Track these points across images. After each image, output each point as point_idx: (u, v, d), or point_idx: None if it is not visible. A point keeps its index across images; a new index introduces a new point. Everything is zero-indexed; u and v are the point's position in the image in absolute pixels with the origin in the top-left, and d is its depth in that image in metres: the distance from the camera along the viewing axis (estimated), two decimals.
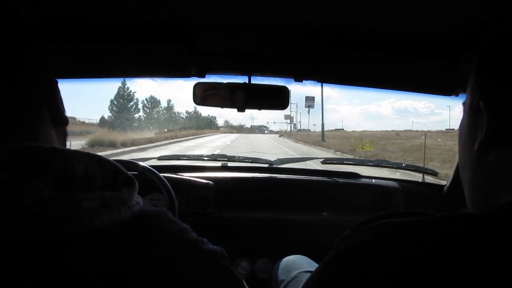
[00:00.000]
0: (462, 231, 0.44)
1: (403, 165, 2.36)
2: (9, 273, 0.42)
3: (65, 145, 0.63)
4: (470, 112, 0.56)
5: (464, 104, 0.59)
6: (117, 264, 0.47)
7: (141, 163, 1.66)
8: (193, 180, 1.86)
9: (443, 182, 2.00)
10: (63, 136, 0.61)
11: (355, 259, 0.48)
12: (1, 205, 0.42)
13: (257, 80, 1.47)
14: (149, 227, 0.53)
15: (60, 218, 0.44)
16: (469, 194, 0.58)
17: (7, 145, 0.47)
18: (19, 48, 0.53)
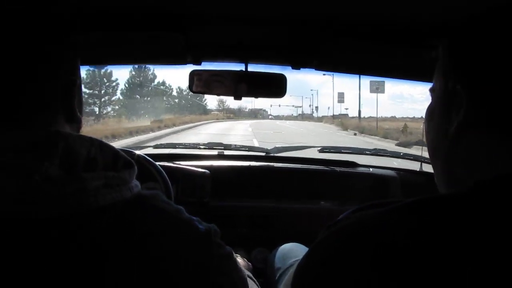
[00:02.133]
0: (431, 214, 0.46)
1: (401, 153, 2.35)
2: (19, 246, 0.46)
3: None
4: (443, 96, 0.57)
5: (431, 89, 0.61)
6: (119, 241, 0.50)
7: (137, 152, 1.64)
8: (189, 169, 1.84)
9: None
10: (77, 132, 0.63)
11: (337, 246, 0.51)
12: (13, 183, 0.46)
13: (254, 68, 1.45)
14: (148, 207, 0.56)
15: (66, 196, 0.47)
16: (442, 176, 0.60)
17: (15, 131, 0.51)
18: (41, 45, 0.55)
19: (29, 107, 0.55)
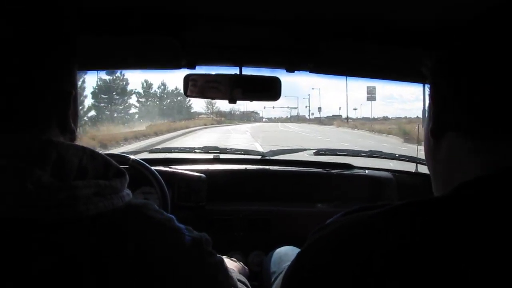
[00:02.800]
0: (413, 218, 0.48)
1: (396, 155, 2.35)
2: (10, 250, 0.46)
3: None
4: (430, 98, 0.60)
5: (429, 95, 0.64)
6: (109, 249, 0.50)
7: (132, 157, 1.63)
8: (185, 173, 1.84)
9: None
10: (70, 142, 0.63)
11: (325, 251, 0.51)
12: (6, 189, 0.46)
13: (249, 71, 1.45)
14: (139, 216, 0.56)
15: (58, 203, 0.47)
16: (432, 180, 0.62)
17: (8, 135, 0.51)
18: (38, 52, 0.55)
19: (22, 114, 0.54)
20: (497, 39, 0.51)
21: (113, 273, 0.50)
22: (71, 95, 0.58)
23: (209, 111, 76.46)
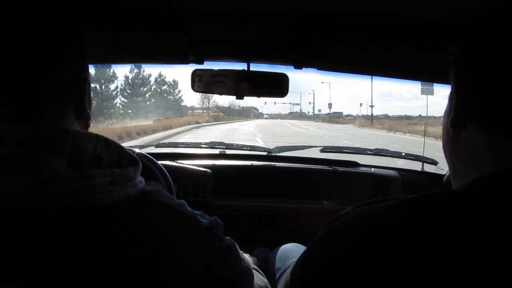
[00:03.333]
0: (430, 209, 0.48)
1: (403, 153, 2.34)
2: (25, 239, 0.47)
3: None
4: (450, 96, 0.60)
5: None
6: (125, 237, 0.51)
7: (137, 150, 1.64)
8: (191, 168, 1.84)
9: (443, 172, 1.99)
10: (85, 128, 0.64)
11: (340, 240, 0.52)
12: (22, 179, 0.46)
13: (256, 67, 1.45)
14: (152, 202, 0.57)
15: (73, 192, 0.48)
16: (451, 172, 0.63)
17: (23, 123, 0.51)
18: (52, 38, 0.56)
19: (39, 100, 0.56)
20: None
21: (127, 259, 0.50)
22: (86, 81, 0.60)
23: (204, 106, 65.88)
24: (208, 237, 0.60)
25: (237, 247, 0.68)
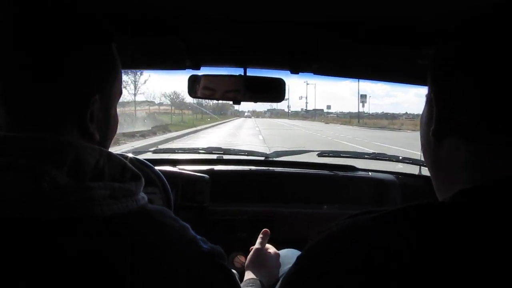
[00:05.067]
0: (410, 223, 0.47)
1: (400, 157, 2.35)
2: (23, 249, 0.47)
3: None
4: (427, 102, 0.58)
5: (426, 96, 0.61)
6: (121, 251, 0.50)
7: (130, 155, 1.63)
8: (189, 174, 1.84)
9: None
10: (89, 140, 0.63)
11: (328, 251, 0.51)
12: (21, 188, 0.46)
13: (253, 72, 1.45)
14: (154, 222, 0.56)
15: (72, 204, 0.48)
16: (433, 182, 0.61)
17: (27, 134, 0.51)
18: (65, 50, 0.55)
19: (38, 110, 0.55)
20: (506, 35, 0.49)
21: (123, 274, 0.50)
22: (93, 98, 0.57)
23: (168, 100, 48.85)
24: (208, 263, 0.59)
25: (236, 278, 0.67)
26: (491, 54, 0.49)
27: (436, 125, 0.55)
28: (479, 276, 0.42)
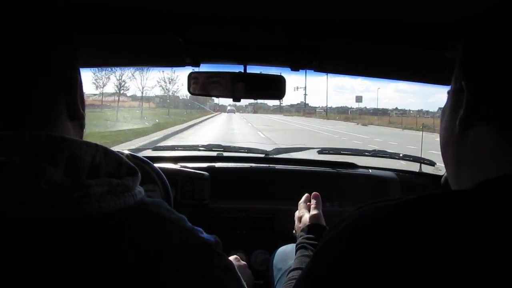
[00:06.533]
0: (436, 210, 0.47)
1: (401, 154, 2.35)
2: (21, 249, 0.47)
3: (81, 137, 0.65)
4: (454, 93, 0.59)
5: (448, 92, 0.62)
6: (121, 247, 0.50)
7: (126, 151, 1.63)
8: (189, 171, 1.84)
9: (440, 173, 2.00)
10: (79, 129, 0.64)
11: (348, 242, 0.51)
12: (19, 187, 0.46)
13: (253, 69, 1.45)
14: (151, 215, 0.56)
15: (70, 202, 0.48)
16: (452, 174, 0.62)
17: (21, 131, 0.51)
18: (39, 41, 0.56)
19: (31, 104, 0.55)
20: None
21: (120, 270, 0.50)
22: (77, 81, 0.59)
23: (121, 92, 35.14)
24: (207, 253, 0.59)
25: (235, 268, 0.67)
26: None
27: (465, 112, 0.55)
28: (505, 264, 0.42)
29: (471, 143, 0.55)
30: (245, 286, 0.72)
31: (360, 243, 0.49)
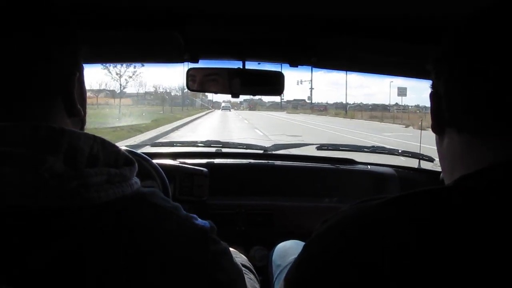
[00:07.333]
0: (417, 207, 0.49)
1: (399, 150, 2.35)
2: (22, 238, 0.47)
3: None
4: (431, 95, 0.61)
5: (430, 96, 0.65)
6: (119, 236, 0.52)
7: (123, 147, 1.62)
8: (187, 167, 1.84)
9: (439, 169, 1.99)
10: (79, 126, 0.64)
11: (337, 236, 0.52)
12: (21, 177, 0.47)
13: (252, 65, 1.44)
14: (146, 204, 0.57)
15: (71, 191, 0.48)
16: (442, 168, 0.65)
17: (22, 123, 0.52)
18: (39, 36, 0.56)
19: (31, 98, 0.56)
20: (491, 36, 0.52)
21: (121, 258, 0.51)
22: (75, 76, 0.60)
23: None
24: (202, 239, 0.60)
25: (230, 252, 0.69)
26: (481, 51, 0.52)
27: (433, 120, 0.59)
28: (490, 259, 0.43)
29: (445, 147, 0.59)
30: (242, 270, 0.73)
31: (349, 241, 0.50)
